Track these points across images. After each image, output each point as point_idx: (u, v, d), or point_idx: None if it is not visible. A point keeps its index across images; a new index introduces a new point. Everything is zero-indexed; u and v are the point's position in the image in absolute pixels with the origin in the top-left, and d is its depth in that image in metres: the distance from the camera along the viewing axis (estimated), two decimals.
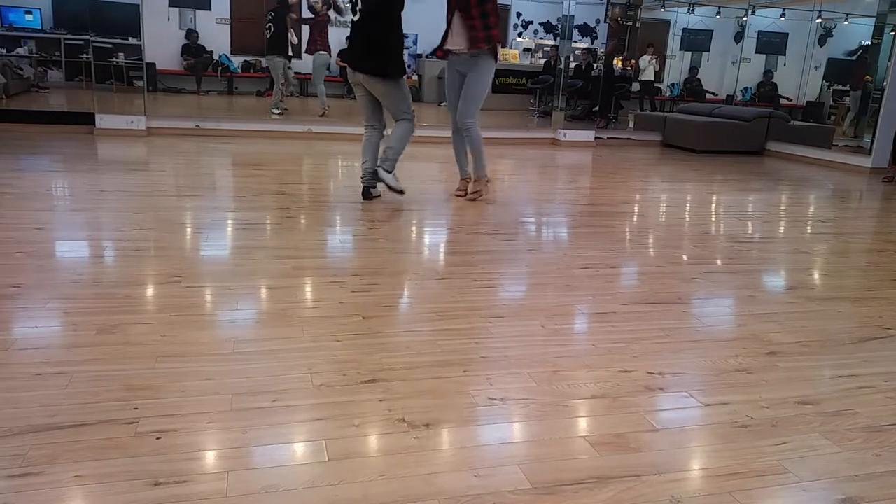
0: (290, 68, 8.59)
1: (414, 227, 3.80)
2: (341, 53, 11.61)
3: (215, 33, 12.00)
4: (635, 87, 11.49)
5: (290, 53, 8.51)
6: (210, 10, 11.99)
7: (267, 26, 8.30)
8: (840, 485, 1.50)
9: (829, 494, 1.47)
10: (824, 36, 11.68)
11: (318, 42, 8.69)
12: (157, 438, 1.51)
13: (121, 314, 2.22)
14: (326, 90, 8.83)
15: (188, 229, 3.45)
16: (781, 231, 4.33)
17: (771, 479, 1.51)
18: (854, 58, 10.88)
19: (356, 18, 4.04)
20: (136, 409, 1.63)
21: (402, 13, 4.04)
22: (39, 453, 1.43)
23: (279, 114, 8.20)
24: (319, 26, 8.80)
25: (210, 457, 1.48)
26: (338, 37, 11.14)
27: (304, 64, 9.64)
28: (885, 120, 6.97)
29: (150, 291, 2.50)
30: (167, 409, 1.64)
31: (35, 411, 1.60)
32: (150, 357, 1.91)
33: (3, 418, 1.56)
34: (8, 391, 1.69)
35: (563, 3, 8.28)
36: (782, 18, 11.79)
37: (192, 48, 11.71)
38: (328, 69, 9.27)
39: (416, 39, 12.87)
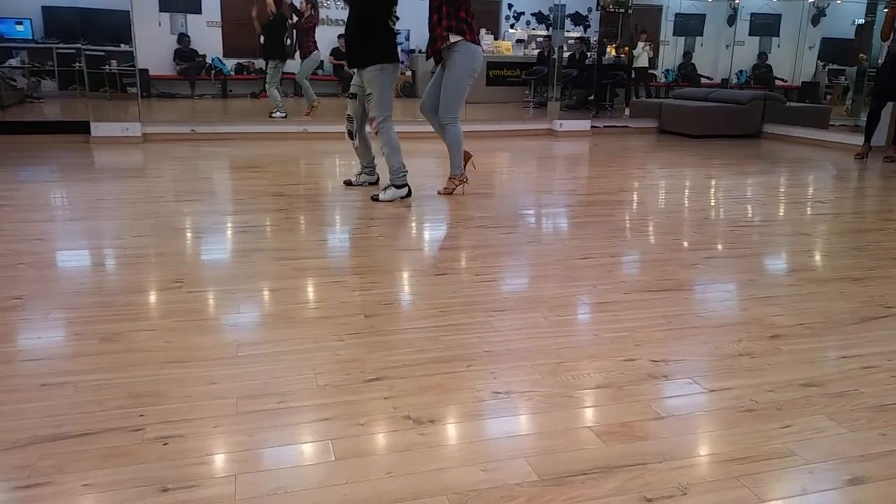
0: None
1: (412, 224, 3.80)
2: (335, 52, 11.61)
3: (207, 36, 11.97)
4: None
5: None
6: (201, 13, 11.96)
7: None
8: (846, 465, 1.51)
9: (835, 475, 1.47)
10: (817, 15, 11.65)
11: (312, 43, 8.69)
12: (164, 444, 1.52)
13: (123, 322, 2.22)
14: (320, 89, 8.84)
15: (188, 234, 3.46)
16: (781, 213, 4.33)
17: (777, 462, 1.51)
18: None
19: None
20: (141, 415, 1.63)
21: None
22: (47, 463, 1.44)
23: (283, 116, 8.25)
24: (309, 29, 8.78)
25: (217, 461, 1.48)
26: (329, 36, 11.12)
27: (293, 65, 9.68)
28: None
29: (151, 298, 2.51)
30: (173, 414, 1.65)
31: (41, 422, 1.60)
32: (154, 363, 1.92)
33: (9, 430, 1.56)
34: (13, 403, 1.70)
35: None
36: (774, 0, 11.75)
37: (185, 52, 11.68)
38: (321, 68, 9.29)
39: (409, 35, 12.84)
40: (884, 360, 2.06)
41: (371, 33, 4.07)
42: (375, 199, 4.19)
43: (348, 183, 4.67)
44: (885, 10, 6.51)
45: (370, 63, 4.07)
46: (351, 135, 4.51)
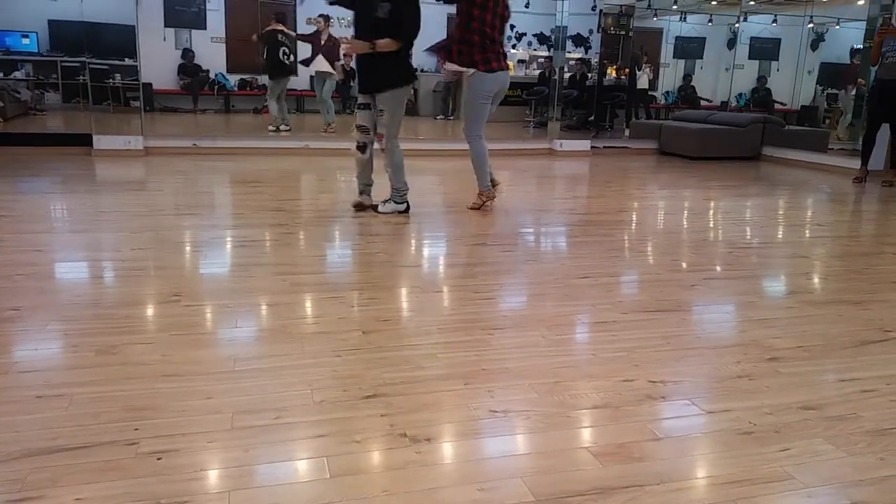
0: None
1: (412, 240, 3.80)
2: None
3: (211, 52, 12.05)
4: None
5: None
6: (205, 29, 12.05)
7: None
8: (845, 490, 1.50)
9: (834, 500, 1.46)
10: (816, 41, 11.76)
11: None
12: (159, 459, 1.51)
13: (121, 334, 2.21)
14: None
15: (187, 248, 3.46)
16: (780, 236, 4.34)
17: (775, 485, 1.50)
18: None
19: None
20: (136, 429, 1.62)
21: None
22: (40, 477, 1.43)
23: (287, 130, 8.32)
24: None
25: (212, 476, 1.47)
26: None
27: (298, 82, 9.78)
28: None
29: (149, 311, 2.50)
30: (168, 429, 1.64)
31: (35, 434, 1.59)
32: (150, 377, 1.91)
33: (3, 442, 1.55)
34: (8, 414, 1.68)
35: (556, 14, 8.35)
36: (774, 24, 11.87)
37: (188, 67, 11.76)
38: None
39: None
40: (882, 383, 2.06)
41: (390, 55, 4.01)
42: (374, 208, 4.27)
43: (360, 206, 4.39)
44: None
45: (389, 86, 4.05)
46: (363, 148, 4.23)
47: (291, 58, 8.51)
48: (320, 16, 8.87)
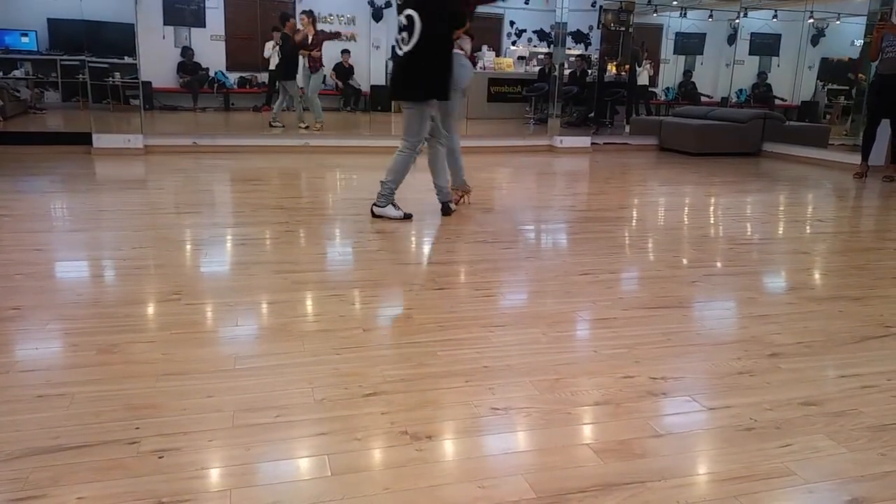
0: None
1: (413, 238, 3.80)
2: (337, 67, 11.74)
3: (210, 50, 12.04)
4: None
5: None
6: (205, 27, 12.04)
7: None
8: (846, 485, 1.50)
9: (835, 496, 1.47)
10: (817, 36, 11.74)
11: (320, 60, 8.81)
12: (160, 457, 1.51)
13: (121, 333, 2.22)
14: (322, 103, 8.92)
15: (187, 246, 3.46)
16: (780, 232, 4.33)
17: (776, 481, 1.50)
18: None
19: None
20: (137, 428, 1.62)
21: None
22: (42, 476, 1.43)
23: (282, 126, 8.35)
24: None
25: (213, 475, 1.47)
26: (333, 52, 11.18)
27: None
28: None
29: (150, 310, 2.50)
30: (169, 427, 1.64)
31: (37, 433, 1.59)
32: (151, 376, 1.91)
33: (4, 441, 1.55)
34: (9, 414, 1.69)
35: (556, 10, 8.34)
36: (774, 20, 11.85)
37: (188, 65, 11.75)
38: (324, 83, 9.40)
39: None
40: (883, 379, 2.06)
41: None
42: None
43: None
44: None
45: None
46: None
47: (276, 60, 8.50)
48: (303, 13, 8.85)
